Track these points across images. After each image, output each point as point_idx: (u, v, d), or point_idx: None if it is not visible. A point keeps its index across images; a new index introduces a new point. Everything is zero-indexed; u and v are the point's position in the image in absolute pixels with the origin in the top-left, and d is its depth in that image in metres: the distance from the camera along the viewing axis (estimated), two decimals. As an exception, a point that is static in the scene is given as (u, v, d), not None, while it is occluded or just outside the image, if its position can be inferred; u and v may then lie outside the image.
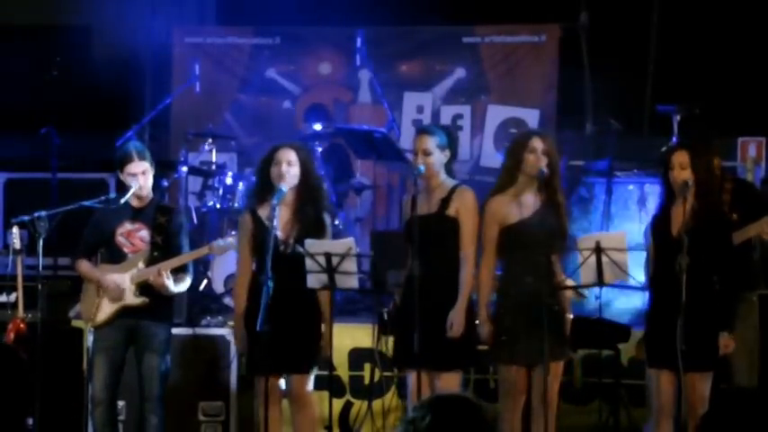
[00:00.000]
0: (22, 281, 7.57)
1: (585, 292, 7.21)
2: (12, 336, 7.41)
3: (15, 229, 7.37)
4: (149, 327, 7.15)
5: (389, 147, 9.54)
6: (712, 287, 6.50)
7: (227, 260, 8.40)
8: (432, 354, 6.58)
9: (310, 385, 6.94)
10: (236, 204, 9.21)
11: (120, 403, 7.67)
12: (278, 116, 11.29)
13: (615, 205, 9.19)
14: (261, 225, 6.89)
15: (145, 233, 7.21)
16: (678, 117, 9.27)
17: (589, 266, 6.46)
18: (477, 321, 6.78)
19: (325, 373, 7.08)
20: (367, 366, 8.23)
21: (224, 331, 8.11)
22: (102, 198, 7.44)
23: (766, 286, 7.52)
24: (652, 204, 7.66)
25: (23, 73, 11.66)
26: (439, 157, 6.79)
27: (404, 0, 11.15)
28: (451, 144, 6.89)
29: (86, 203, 7.39)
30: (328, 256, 6.61)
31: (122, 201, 7.18)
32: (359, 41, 10.47)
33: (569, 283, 6.72)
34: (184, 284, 7.23)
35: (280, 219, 6.81)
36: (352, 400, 8.28)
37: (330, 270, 6.63)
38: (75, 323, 8.17)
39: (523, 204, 6.72)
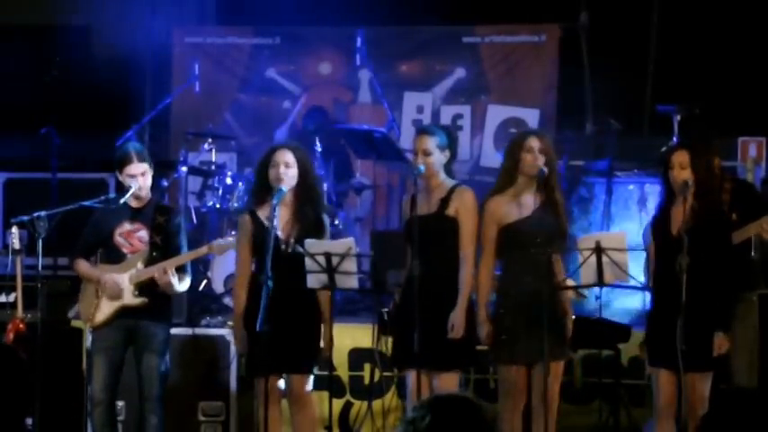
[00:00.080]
0: (21, 281, 7.57)
1: (585, 292, 7.21)
2: (11, 336, 7.40)
3: (15, 229, 7.37)
4: (148, 327, 7.15)
5: (389, 147, 9.54)
6: (712, 287, 6.50)
7: (227, 260, 8.39)
8: (431, 354, 6.57)
9: (310, 385, 6.94)
10: (235, 204, 9.20)
11: (120, 403, 7.68)
12: (278, 116, 11.29)
13: (615, 205, 9.19)
14: (260, 225, 6.89)
15: (144, 233, 7.21)
16: (678, 117, 9.27)
17: (589, 266, 6.45)
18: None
19: (326, 373, 7.08)
20: (367, 366, 8.22)
21: (224, 331, 8.11)
22: (102, 198, 7.45)
23: (766, 286, 7.52)
24: (652, 204, 7.66)
25: (23, 73, 11.66)
26: (439, 158, 6.79)
27: (404, 0, 11.16)
28: (451, 144, 6.89)
29: (86, 203, 7.39)
30: (328, 256, 6.61)
31: (122, 201, 7.18)
32: (359, 41, 10.48)
33: (569, 283, 6.72)
34: (184, 284, 7.24)
35: (279, 219, 6.81)
36: (352, 400, 8.27)
37: (330, 270, 6.63)
38: (75, 323, 8.17)
39: (522, 204, 6.72)
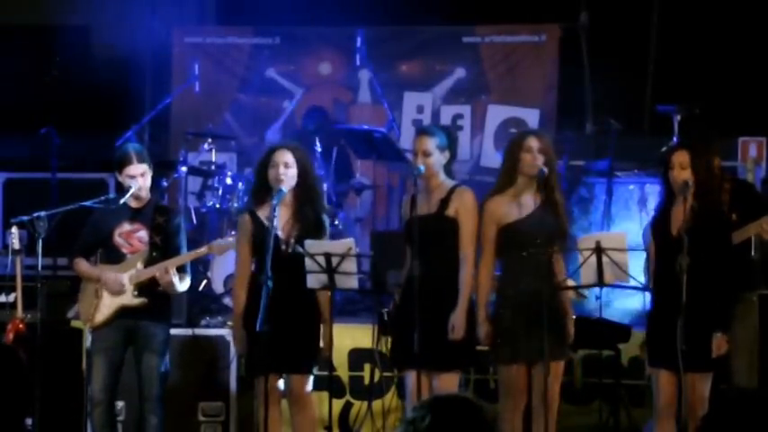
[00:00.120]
0: (21, 281, 7.57)
1: (586, 292, 7.21)
2: (11, 336, 7.40)
3: (15, 230, 7.37)
4: (148, 327, 7.15)
5: (389, 147, 9.54)
6: (712, 287, 6.49)
7: (227, 260, 8.39)
8: (431, 354, 6.57)
9: (310, 386, 6.94)
10: (235, 204, 9.19)
11: (120, 404, 7.68)
12: (277, 116, 11.29)
13: (615, 205, 9.19)
14: (260, 225, 6.88)
15: (143, 234, 7.20)
16: (678, 117, 9.27)
17: (589, 266, 6.45)
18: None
19: (325, 373, 7.07)
20: (367, 367, 8.22)
21: (223, 332, 8.11)
22: (102, 198, 7.45)
23: (766, 286, 7.51)
24: (652, 204, 7.65)
25: (23, 73, 11.66)
26: (438, 158, 6.79)
27: (404, 0, 11.16)
28: (451, 145, 6.88)
29: (86, 204, 7.39)
30: (328, 256, 6.61)
31: (121, 201, 7.18)
32: (359, 41, 10.48)
33: (570, 283, 6.71)
34: (184, 284, 7.24)
35: (279, 219, 6.80)
36: (352, 400, 8.27)
37: (330, 270, 6.63)
38: (75, 323, 8.16)
39: (522, 204, 6.71)
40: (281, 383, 6.89)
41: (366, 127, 9.88)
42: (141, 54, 11.30)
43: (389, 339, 7.23)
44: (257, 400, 6.85)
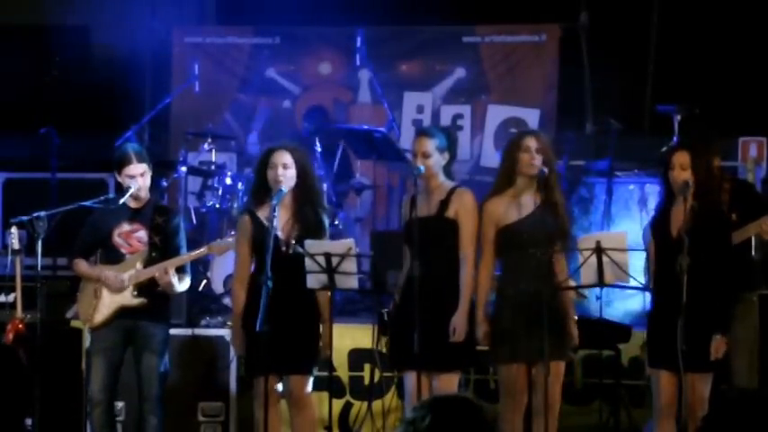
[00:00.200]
0: (20, 281, 7.56)
1: (586, 292, 7.20)
2: (11, 336, 7.39)
3: (14, 230, 7.36)
4: (147, 327, 7.14)
5: (389, 147, 9.54)
6: (712, 288, 6.48)
7: (227, 260, 8.39)
8: (431, 354, 6.56)
9: (309, 387, 6.93)
10: (235, 204, 9.19)
11: (120, 404, 7.68)
12: (277, 116, 11.28)
13: (616, 205, 9.19)
14: (260, 226, 6.88)
15: (142, 234, 7.20)
16: (678, 117, 9.27)
17: (589, 267, 6.44)
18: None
19: (325, 373, 7.07)
20: (367, 367, 8.22)
21: (223, 332, 8.11)
22: (102, 198, 7.45)
23: (766, 286, 7.51)
24: (652, 204, 7.66)
25: (23, 73, 11.65)
26: (438, 160, 6.78)
27: (404, 0, 11.15)
28: (451, 146, 6.87)
29: (85, 204, 7.39)
30: (328, 256, 6.60)
31: (121, 201, 7.18)
32: (359, 41, 10.47)
33: (570, 283, 6.71)
34: (184, 284, 7.24)
35: (279, 220, 6.80)
36: (352, 400, 8.27)
37: (330, 270, 6.62)
38: (75, 323, 8.16)
39: (522, 205, 6.71)
40: (279, 386, 6.88)
41: (366, 127, 9.88)
42: (141, 54, 11.30)
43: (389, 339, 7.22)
44: (257, 400, 6.84)
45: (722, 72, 10.77)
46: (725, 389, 6.83)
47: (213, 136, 9.82)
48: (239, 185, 9.29)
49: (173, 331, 7.50)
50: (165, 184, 9.38)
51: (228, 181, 9.37)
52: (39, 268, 7.32)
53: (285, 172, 6.85)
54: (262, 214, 6.90)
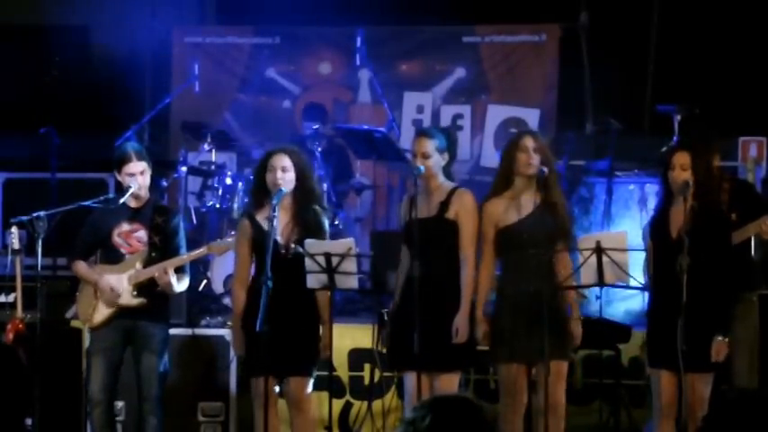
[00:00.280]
0: (20, 281, 7.56)
1: (586, 292, 7.20)
2: (11, 336, 7.39)
3: (14, 230, 7.36)
4: (147, 327, 7.14)
5: (389, 147, 9.53)
6: (712, 288, 6.48)
7: (227, 261, 8.38)
8: (431, 355, 6.56)
9: (309, 388, 6.92)
10: (235, 204, 9.19)
11: (119, 404, 7.68)
12: (278, 116, 11.29)
13: (616, 205, 9.18)
14: (260, 229, 6.87)
15: (142, 234, 7.20)
16: (678, 117, 9.26)
17: (589, 266, 6.44)
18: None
19: (325, 373, 7.06)
20: (367, 367, 8.22)
21: (223, 332, 8.11)
22: (101, 198, 7.45)
23: (766, 286, 7.51)
24: (652, 204, 7.66)
25: (23, 73, 11.65)
26: (437, 160, 6.77)
27: (404, 0, 11.15)
28: (450, 147, 6.86)
29: (85, 204, 7.39)
30: (328, 256, 6.60)
31: (121, 201, 7.18)
32: (359, 41, 10.46)
33: (571, 282, 6.70)
34: (183, 284, 7.23)
35: (278, 222, 6.78)
36: (352, 400, 8.27)
37: (330, 270, 6.62)
38: (75, 323, 8.16)
39: (521, 205, 6.70)
40: (276, 388, 6.87)
41: (366, 127, 9.87)
42: (141, 54, 11.30)
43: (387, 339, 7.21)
44: (256, 401, 6.84)
45: (722, 72, 10.76)
46: (725, 389, 6.83)
47: (213, 136, 9.78)
48: (239, 185, 9.28)
49: (173, 331, 7.50)
50: (165, 183, 9.37)
51: (228, 181, 9.36)
52: (39, 268, 7.32)
53: (284, 175, 6.84)
54: (261, 218, 6.90)
